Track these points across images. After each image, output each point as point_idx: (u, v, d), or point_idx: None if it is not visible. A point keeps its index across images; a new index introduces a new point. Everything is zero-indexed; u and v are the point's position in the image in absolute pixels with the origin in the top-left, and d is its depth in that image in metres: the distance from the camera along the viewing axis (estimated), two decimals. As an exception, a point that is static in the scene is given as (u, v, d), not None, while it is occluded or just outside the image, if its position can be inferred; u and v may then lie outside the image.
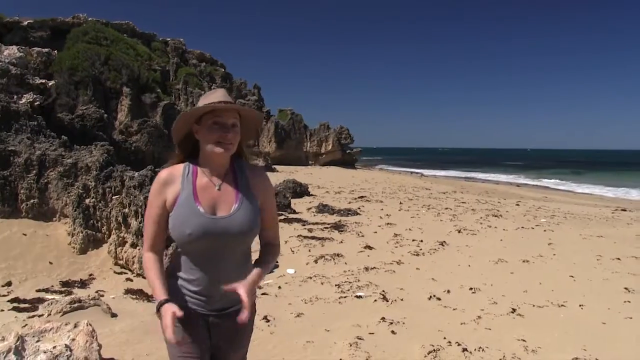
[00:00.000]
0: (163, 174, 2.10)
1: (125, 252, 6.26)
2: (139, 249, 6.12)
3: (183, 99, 26.91)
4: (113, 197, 6.68)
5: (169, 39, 32.17)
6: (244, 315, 1.97)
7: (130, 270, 6.18)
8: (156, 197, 2.08)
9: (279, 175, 22.80)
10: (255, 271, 2.11)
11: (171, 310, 1.88)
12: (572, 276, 7.04)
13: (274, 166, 30.49)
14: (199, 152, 2.14)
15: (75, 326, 3.09)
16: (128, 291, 5.48)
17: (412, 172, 43.94)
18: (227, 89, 31.56)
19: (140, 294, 5.42)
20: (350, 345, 4.34)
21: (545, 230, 10.97)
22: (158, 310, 1.95)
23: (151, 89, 24.76)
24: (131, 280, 5.91)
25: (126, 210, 6.38)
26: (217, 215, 2.05)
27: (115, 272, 6.17)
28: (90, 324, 3.14)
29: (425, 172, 46.86)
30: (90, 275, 6.04)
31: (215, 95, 2.08)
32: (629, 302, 5.93)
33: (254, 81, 37.79)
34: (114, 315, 4.57)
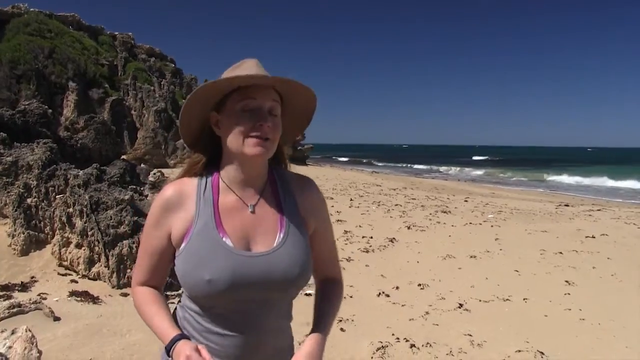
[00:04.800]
0: (167, 191, 1.44)
1: (70, 252, 6.06)
2: (84, 250, 5.95)
3: (132, 94, 26.23)
4: (57, 197, 6.46)
5: (117, 33, 31.29)
6: None
7: (75, 271, 5.98)
8: (156, 227, 1.44)
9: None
10: (314, 337, 1.46)
11: (190, 347, 1.29)
12: (517, 271, 7.26)
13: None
14: (219, 155, 1.47)
15: (13, 332, 2.97)
16: (73, 293, 5.30)
17: (363, 169, 44.36)
18: (177, 85, 30.99)
19: (86, 296, 5.26)
20: (299, 344, 4.34)
21: (492, 226, 11.26)
22: (169, 354, 1.33)
23: (98, 84, 24.10)
24: (76, 282, 5.72)
25: (70, 209, 6.18)
26: (252, 250, 1.39)
27: (59, 273, 5.96)
28: (29, 330, 3.03)
29: (377, 168, 47.42)
30: (32, 277, 5.81)
31: (244, 68, 1.40)
32: (569, 294, 6.17)
33: (205, 78, 37.15)
34: (57, 318, 4.42)
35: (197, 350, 1.27)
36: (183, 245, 1.38)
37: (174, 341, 1.33)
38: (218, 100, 1.40)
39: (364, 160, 66.06)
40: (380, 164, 57.33)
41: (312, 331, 1.49)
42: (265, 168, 1.47)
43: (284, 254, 1.38)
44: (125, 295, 5.43)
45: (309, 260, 1.43)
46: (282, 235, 1.41)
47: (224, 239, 1.36)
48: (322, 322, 1.52)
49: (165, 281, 1.55)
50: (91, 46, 26.95)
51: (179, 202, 1.41)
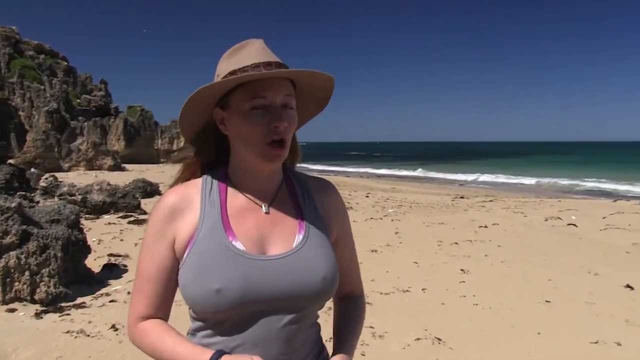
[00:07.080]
0: (169, 197, 1.24)
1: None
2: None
3: (19, 93, 24.50)
4: None
5: (-2, 27, 29.11)
6: None
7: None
8: (157, 241, 1.22)
9: (129, 175, 21.77)
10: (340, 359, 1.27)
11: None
12: (416, 262, 7.53)
13: (123, 165, 29.03)
14: (225, 154, 1.30)
15: None
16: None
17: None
18: (70, 84, 29.35)
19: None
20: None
21: (392, 220, 11.63)
22: None
23: (-21, 82, 22.30)
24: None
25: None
26: (267, 254, 1.20)
27: None
28: None
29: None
30: None
31: (248, 53, 1.20)
32: (464, 282, 6.50)
33: (101, 76, 35.47)
34: None
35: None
36: (187, 252, 1.19)
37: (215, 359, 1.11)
38: (222, 95, 1.21)
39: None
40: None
41: (336, 351, 1.31)
42: (279, 167, 1.29)
43: (304, 256, 1.20)
44: (12, 310, 5.06)
45: (334, 265, 1.24)
46: (301, 237, 1.23)
47: (233, 242, 1.17)
48: (347, 341, 1.35)
49: (169, 315, 1.28)
50: (-32, 41, 24.87)
51: (184, 207, 1.22)
